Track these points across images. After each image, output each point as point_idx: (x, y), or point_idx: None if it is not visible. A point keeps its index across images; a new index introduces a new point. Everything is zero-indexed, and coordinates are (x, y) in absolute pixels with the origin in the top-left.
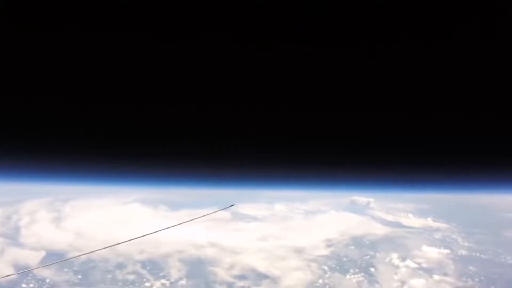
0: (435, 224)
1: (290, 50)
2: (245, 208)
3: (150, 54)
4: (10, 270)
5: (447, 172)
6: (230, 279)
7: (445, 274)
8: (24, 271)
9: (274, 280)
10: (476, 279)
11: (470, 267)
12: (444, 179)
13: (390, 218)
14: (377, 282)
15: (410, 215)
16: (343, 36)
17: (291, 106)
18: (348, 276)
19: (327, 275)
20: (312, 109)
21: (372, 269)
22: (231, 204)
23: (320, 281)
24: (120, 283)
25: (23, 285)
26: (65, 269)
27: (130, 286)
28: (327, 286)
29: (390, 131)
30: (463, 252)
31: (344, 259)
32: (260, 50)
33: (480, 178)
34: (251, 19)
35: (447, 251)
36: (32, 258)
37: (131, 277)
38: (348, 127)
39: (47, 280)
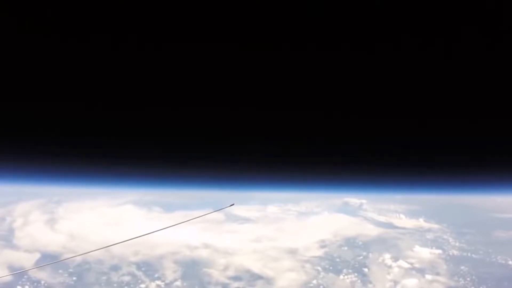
0: (427, 225)
1: (289, 51)
2: (238, 210)
3: (148, 55)
4: (5, 273)
5: (438, 173)
6: (225, 280)
7: (437, 274)
8: (18, 272)
9: (268, 281)
10: (468, 279)
11: (462, 267)
12: (436, 180)
13: (382, 219)
14: (370, 282)
15: (402, 216)
16: (343, 36)
17: (286, 107)
18: (341, 277)
19: (321, 276)
20: (307, 109)
21: (365, 270)
22: (231, 204)
23: (314, 281)
24: (115, 285)
25: (18, 287)
26: (60, 271)
27: (125, 287)
28: (321, 287)
29: (385, 132)
30: (455, 252)
31: (338, 259)
32: (258, 51)
33: (471, 179)
34: (251, 19)
35: (439, 251)
36: (26, 260)
37: (126, 278)
38: (343, 127)
39: (42, 282)
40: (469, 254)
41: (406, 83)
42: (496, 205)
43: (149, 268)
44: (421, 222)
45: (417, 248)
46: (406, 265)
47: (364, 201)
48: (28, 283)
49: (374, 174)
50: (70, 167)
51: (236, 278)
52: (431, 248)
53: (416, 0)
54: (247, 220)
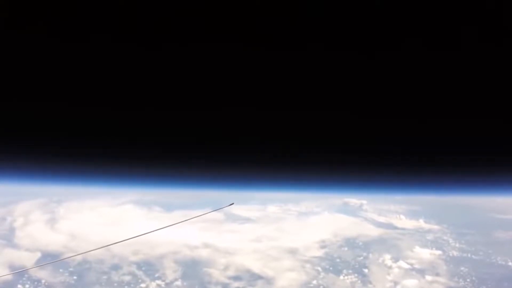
0: (427, 226)
1: (289, 51)
2: (238, 210)
3: (148, 55)
4: (5, 271)
5: (439, 173)
6: (225, 280)
7: (437, 275)
8: (18, 271)
9: (269, 280)
10: (468, 279)
11: (462, 268)
12: (436, 180)
13: (382, 219)
14: (370, 283)
15: (402, 216)
16: (342, 37)
17: (286, 107)
18: (341, 277)
19: (321, 276)
20: (307, 109)
21: (366, 270)
22: (231, 203)
23: (314, 281)
24: (115, 284)
25: (19, 286)
26: (61, 270)
27: (126, 287)
28: (321, 287)
29: (385, 132)
30: (455, 253)
31: (338, 260)
32: (258, 51)
33: (471, 180)
34: (250, 20)
35: (439, 252)
36: (27, 259)
37: (126, 278)
38: (344, 127)
39: (43, 281)
40: (469, 255)
41: (406, 83)
42: (496, 205)
43: (149, 267)
44: (421, 223)
45: (417, 249)
46: (406, 266)
47: (364, 201)
48: (28, 282)
49: (374, 175)
50: (70, 167)
51: (236, 278)
52: (431, 248)
53: (416, 2)
54: (247, 220)
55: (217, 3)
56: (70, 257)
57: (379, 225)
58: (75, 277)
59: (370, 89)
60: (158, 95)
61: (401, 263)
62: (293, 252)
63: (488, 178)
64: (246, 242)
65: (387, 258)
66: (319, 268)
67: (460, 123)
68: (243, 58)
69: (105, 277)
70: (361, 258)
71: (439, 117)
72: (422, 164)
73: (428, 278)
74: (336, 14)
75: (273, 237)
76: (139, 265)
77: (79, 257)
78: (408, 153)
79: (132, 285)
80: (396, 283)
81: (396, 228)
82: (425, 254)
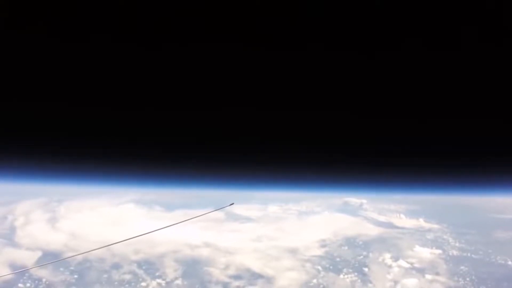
0: (427, 225)
1: (289, 51)
2: (239, 209)
3: (148, 55)
4: (6, 271)
5: (438, 173)
6: (225, 279)
7: (437, 274)
8: (19, 271)
9: (269, 280)
10: (468, 279)
11: (462, 267)
12: (436, 180)
13: (382, 219)
14: (370, 282)
15: (402, 216)
16: (342, 37)
17: (286, 107)
18: (341, 276)
19: (321, 275)
20: (307, 109)
21: (366, 269)
22: (231, 203)
23: (314, 280)
24: (116, 283)
25: (20, 285)
26: (61, 269)
27: (126, 285)
28: (321, 286)
29: (385, 132)
30: (455, 252)
31: (338, 259)
32: (257, 51)
33: (471, 180)
34: (250, 20)
35: (439, 251)
36: (28, 258)
37: (127, 277)
38: (343, 127)
39: (44, 280)
40: (469, 254)
41: (406, 83)
42: (496, 205)
43: (150, 266)
44: (421, 222)
45: (417, 248)
46: (406, 265)
47: (364, 200)
48: (29, 281)
49: (374, 174)
50: (71, 166)
51: (236, 277)
52: (431, 248)
53: (416, 2)
54: (247, 219)
55: (217, 3)
56: (71, 257)
57: (379, 224)
58: (75, 276)
59: (370, 89)
60: (158, 95)
61: (401, 262)
62: (293, 251)
63: (488, 178)
64: (247, 242)
65: (387, 257)
66: (319, 267)
67: (460, 123)
68: (243, 58)
69: (105, 276)
70: (361, 257)
71: (439, 117)
72: (422, 164)
73: (428, 277)
74: (336, 14)
75: (274, 236)
76: (139, 264)
77: (79, 256)
78: (408, 153)
79: (132, 284)
80: (396, 282)
81: (396, 227)
82: (425, 253)
